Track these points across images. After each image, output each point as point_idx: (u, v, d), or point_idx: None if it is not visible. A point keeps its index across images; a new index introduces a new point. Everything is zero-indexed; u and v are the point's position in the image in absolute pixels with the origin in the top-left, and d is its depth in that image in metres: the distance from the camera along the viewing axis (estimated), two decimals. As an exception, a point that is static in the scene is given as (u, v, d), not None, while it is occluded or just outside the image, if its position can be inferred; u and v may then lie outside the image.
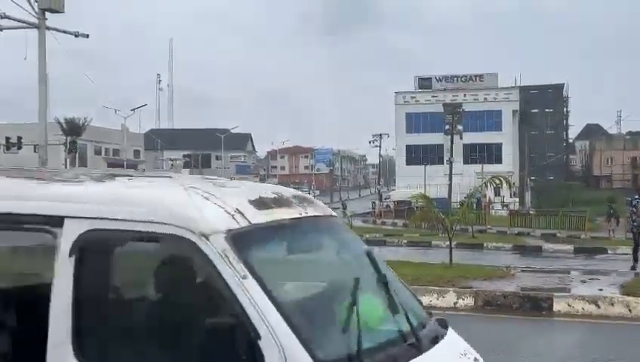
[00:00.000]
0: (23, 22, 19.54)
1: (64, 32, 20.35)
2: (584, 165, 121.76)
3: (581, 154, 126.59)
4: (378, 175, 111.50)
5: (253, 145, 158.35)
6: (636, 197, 19.14)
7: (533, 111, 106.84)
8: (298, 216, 3.42)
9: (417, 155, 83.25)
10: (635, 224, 18.49)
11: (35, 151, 28.95)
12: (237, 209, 3.08)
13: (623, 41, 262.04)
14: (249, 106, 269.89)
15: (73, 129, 70.78)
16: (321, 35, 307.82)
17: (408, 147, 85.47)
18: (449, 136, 70.47)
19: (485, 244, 28.88)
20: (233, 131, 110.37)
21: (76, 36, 20.92)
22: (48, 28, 19.79)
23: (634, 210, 18.54)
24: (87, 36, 21.30)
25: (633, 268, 18.50)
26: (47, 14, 19.57)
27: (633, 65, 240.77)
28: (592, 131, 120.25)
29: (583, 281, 13.46)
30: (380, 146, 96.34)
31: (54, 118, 69.92)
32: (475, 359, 3.56)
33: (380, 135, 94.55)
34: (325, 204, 3.92)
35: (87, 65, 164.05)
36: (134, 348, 3.07)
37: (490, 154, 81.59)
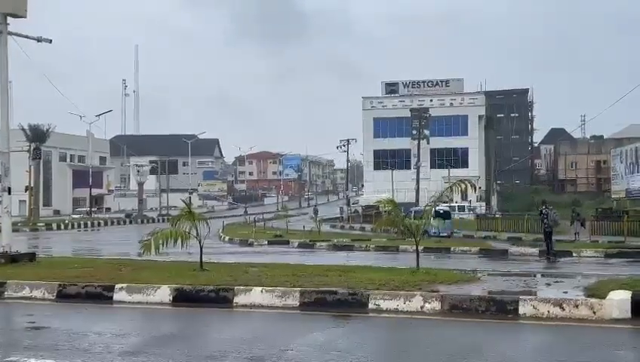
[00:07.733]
0: (-16, 27, 19.15)
1: (26, 37, 19.98)
2: (549, 169, 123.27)
3: (546, 158, 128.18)
4: (346, 180, 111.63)
5: (220, 151, 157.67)
6: (543, 208, 26.45)
7: (498, 116, 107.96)
8: None
9: (385, 160, 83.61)
10: (545, 226, 25.80)
11: (-3, 158, 28.48)
12: None
13: (585, 45, 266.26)
14: (215, 113, 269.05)
15: (37, 135, 69.88)
16: (285, 43, 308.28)
17: (376, 152, 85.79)
18: (416, 141, 70.95)
19: (452, 248, 29.08)
20: (200, 137, 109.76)
21: (39, 41, 20.52)
22: (10, 33, 19.44)
23: (544, 217, 25.79)
24: (50, 41, 20.91)
25: (549, 259, 24.83)
26: (10, 19, 19.23)
27: (597, 69, 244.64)
28: (557, 135, 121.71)
29: (548, 284, 13.56)
30: (347, 152, 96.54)
31: (18, 125, 69.04)
32: None
33: (348, 140, 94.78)
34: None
35: (49, 72, 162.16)
36: None
37: (456, 158, 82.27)
